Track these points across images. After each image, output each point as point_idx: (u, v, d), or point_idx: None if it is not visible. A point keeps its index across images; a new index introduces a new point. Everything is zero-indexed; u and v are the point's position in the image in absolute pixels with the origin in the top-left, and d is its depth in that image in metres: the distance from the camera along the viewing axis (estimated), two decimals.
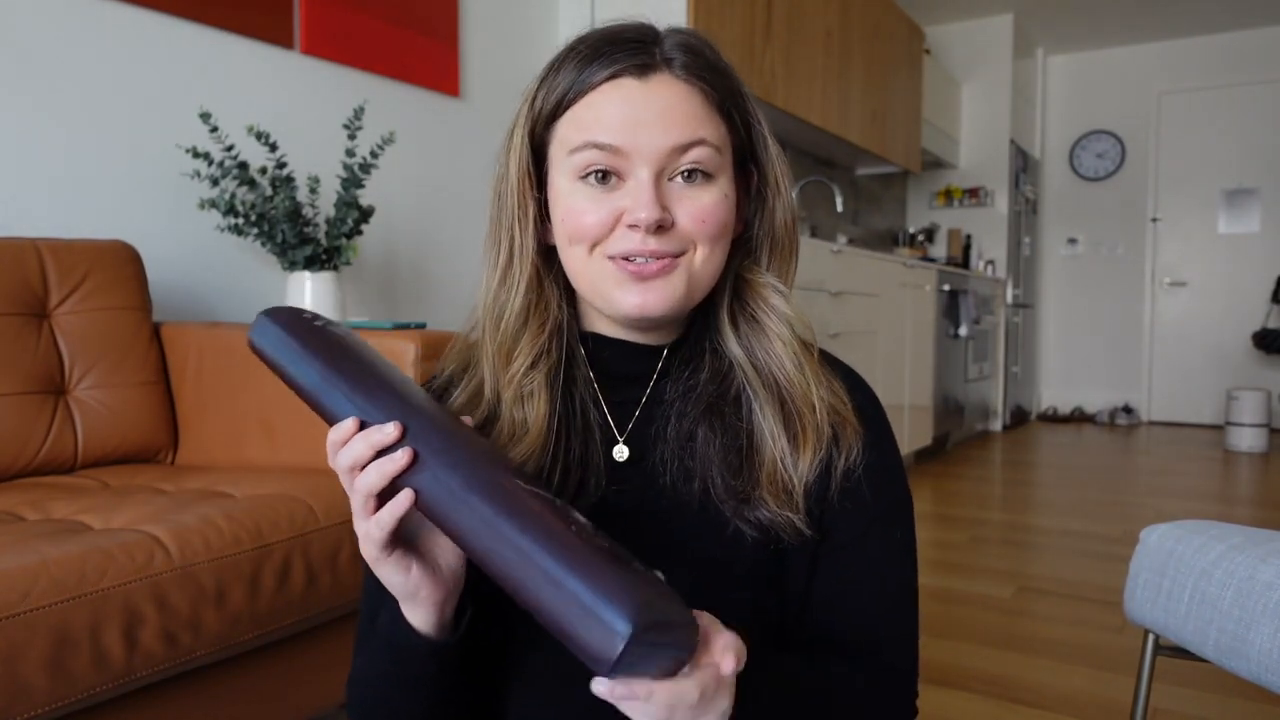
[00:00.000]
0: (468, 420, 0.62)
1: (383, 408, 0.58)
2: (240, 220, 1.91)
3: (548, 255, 0.70)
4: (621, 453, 0.70)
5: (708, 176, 0.65)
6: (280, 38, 2.21)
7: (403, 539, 0.59)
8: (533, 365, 0.68)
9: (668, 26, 0.68)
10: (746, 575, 0.68)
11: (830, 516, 0.68)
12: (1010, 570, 2.63)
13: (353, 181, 1.99)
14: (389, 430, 0.55)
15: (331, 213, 2.01)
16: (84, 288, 1.59)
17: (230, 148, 1.86)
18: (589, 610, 0.48)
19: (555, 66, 0.66)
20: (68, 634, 0.93)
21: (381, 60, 2.47)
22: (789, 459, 0.66)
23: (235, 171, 1.88)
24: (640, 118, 0.63)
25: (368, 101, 2.15)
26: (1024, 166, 6.00)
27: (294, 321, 0.63)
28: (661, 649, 0.49)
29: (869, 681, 0.68)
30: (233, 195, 1.89)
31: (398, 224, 2.53)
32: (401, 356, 1.44)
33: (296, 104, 2.26)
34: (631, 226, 0.63)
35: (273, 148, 1.91)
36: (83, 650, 0.94)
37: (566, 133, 0.65)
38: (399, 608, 0.62)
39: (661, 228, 0.63)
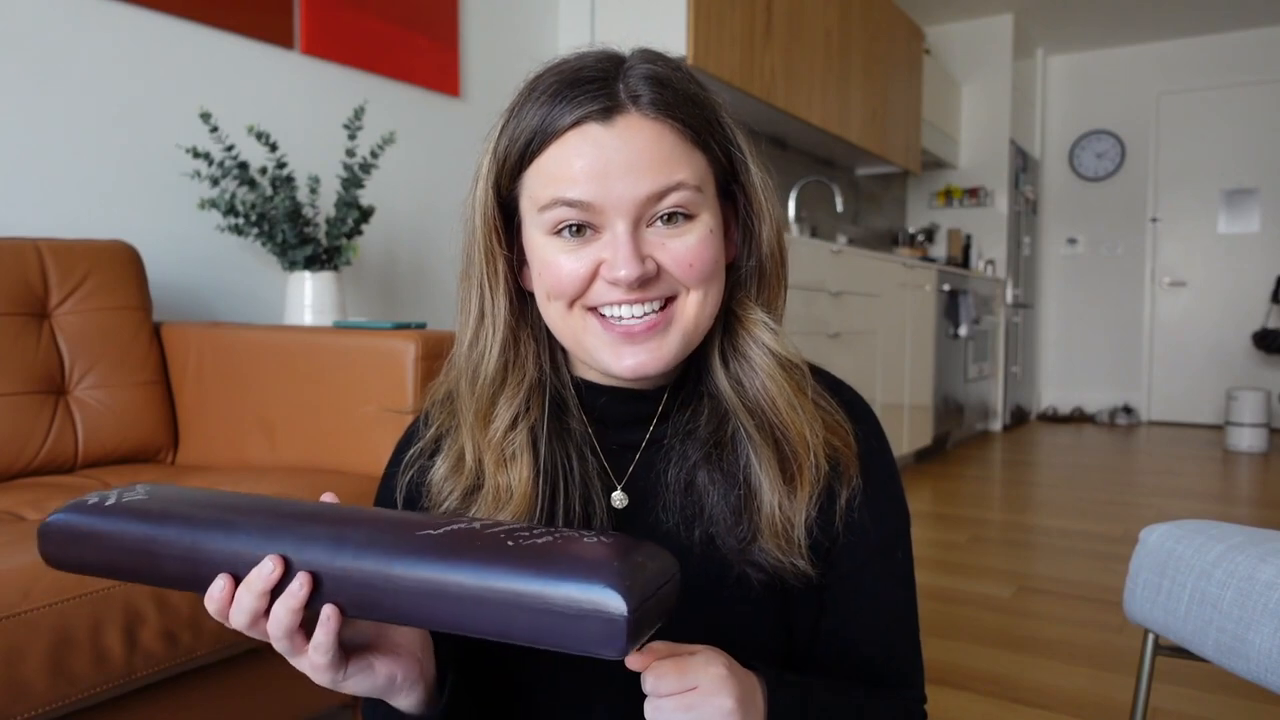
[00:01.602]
0: (330, 498, 0.58)
1: (249, 540, 0.52)
2: (240, 220, 1.90)
3: (523, 304, 0.67)
4: (621, 500, 0.68)
5: (689, 217, 0.61)
6: (280, 38, 2.21)
7: (349, 646, 0.55)
8: (512, 425, 0.65)
9: (633, 51, 0.63)
10: (754, 617, 0.66)
11: (836, 550, 0.67)
12: (1010, 570, 2.63)
13: (353, 181, 1.99)
14: (268, 568, 0.50)
15: (331, 213, 2.01)
16: (84, 288, 1.59)
17: (230, 148, 1.86)
18: (574, 612, 0.46)
19: (515, 110, 0.62)
20: (68, 634, 0.93)
21: (381, 60, 2.47)
22: (786, 503, 0.64)
23: (235, 171, 1.88)
24: (610, 168, 0.58)
25: (368, 101, 2.15)
26: (1024, 166, 6.00)
27: (83, 512, 0.56)
28: (655, 596, 0.48)
29: (886, 702, 0.68)
30: (233, 195, 1.89)
31: (398, 224, 2.53)
32: (401, 356, 1.44)
33: (296, 104, 2.26)
34: (612, 284, 0.60)
35: (273, 148, 1.91)
36: (83, 650, 0.94)
37: (534, 188, 0.61)
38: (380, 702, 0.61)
39: (646, 280, 0.60)
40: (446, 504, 0.67)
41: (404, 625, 0.52)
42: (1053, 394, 6.44)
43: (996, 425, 5.69)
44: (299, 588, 0.50)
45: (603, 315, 0.62)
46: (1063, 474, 4.32)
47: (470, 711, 0.64)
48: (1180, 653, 1.15)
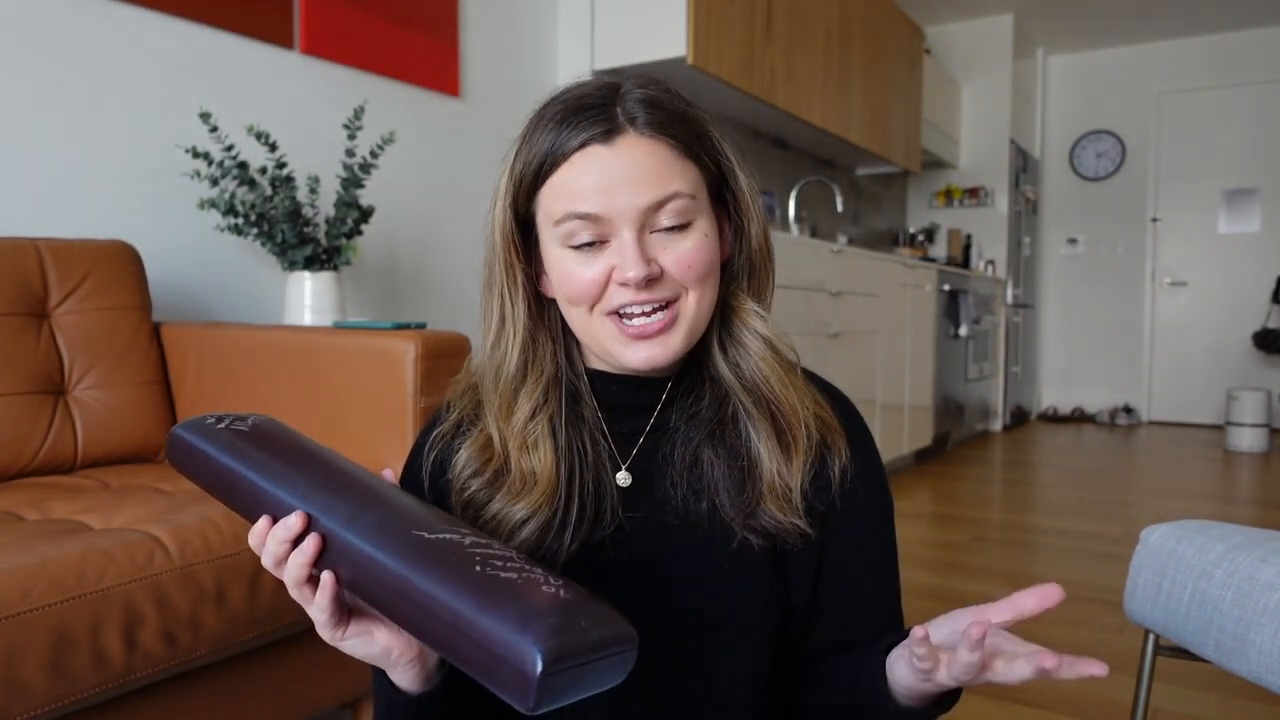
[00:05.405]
0: (389, 474, 0.66)
1: (291, 494, 0.58)
2: (240, 220, 1.90)
3: (541, 308, 0.75)
4: (624, 479, 0.74)
5: (686, 224, 0.68)
6: (280, 38, 2.21)
7: (352, 611, 0.61)
8: (532, 416, 0.72)
9: (629, 80, 0.71)
10: (754, 585, 0.72)
11: (831, 521, 0.75)
12: (1010, 570, 2.63)
13: (353, 181, 1.99)
14: (292, 522, 0.57)
15: (331, 213, 2.01)
16: (84, 288, 1.59)
17: (230, 148, 1.86)
18: (498, 653, 0.47)
19: (526, 136, 0.70)
20: (68, 634, 0.93)
21: (381, 60, 2.47)
22: (784, 468, 0.71)
23: (235, 171, 1.88)
24: (614, 182, 0.66)
25: (368, 101, 2.14)
26: (1024, 166, 6.00)
27: (196, 430, 0.65)
28: (593, 664, 0.48)
29: None
30: (232, 195, 1.89)
31: (398, 224, 2.53)
32: (401, 356, 1.44)
33: (296, 104, 2.26)
34: (623, 285, 0.67)
35: (273, 148, 1.91)
36: (83, 650, 0.94)
37: (548, 203, 0.69)
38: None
39: (651, 280, 0.67)
40: (469, 485, 0.73)
41: (378, 610, 0.55)
42: (1053, 394, 6.44)
43: (997, 425, 5.69)
44: (308, 545, 0.57)
45: (619, 319, 0.69)
46: (1063, 474, 4.32)
47: (464, 701, 0.67)
48: (1180, 653, 1.15)
